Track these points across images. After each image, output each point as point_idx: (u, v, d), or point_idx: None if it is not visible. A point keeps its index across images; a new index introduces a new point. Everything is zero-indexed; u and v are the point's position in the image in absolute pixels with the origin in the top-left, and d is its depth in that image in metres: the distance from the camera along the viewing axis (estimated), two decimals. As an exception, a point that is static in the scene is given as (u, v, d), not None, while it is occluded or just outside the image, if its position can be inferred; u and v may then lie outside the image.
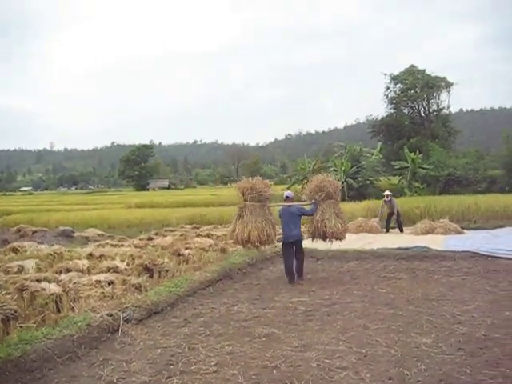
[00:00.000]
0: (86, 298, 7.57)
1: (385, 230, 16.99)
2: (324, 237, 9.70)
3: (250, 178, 9.78)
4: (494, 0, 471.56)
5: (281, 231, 10.04)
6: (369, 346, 5.50)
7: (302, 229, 10.29)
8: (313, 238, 9.96)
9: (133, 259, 11.01)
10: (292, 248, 9.70)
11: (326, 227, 9.48)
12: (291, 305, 7.58)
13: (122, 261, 10.64)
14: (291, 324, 6.53)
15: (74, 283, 8.42)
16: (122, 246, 14.29)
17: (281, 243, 10.10)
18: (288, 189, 30.42)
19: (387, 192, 17.64)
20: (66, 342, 5.48)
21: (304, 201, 10.53)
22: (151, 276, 9.54)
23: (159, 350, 5.63)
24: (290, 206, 9.87)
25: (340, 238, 9.76)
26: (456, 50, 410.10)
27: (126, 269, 9.98)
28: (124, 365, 5.19)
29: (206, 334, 6.18)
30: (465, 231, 15.97)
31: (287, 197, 10.20)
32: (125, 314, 6.58)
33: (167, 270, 9.89)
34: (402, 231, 16.84)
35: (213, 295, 8.47)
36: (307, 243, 10.38)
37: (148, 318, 6.94)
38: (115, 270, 9.78)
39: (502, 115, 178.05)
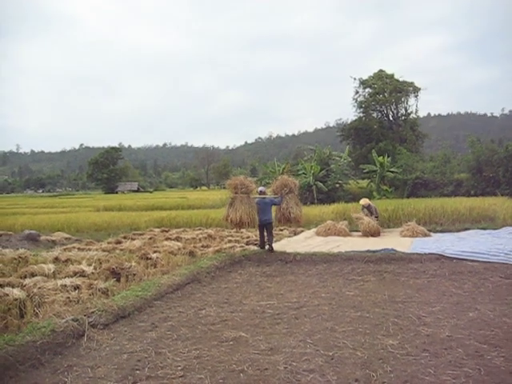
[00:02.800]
0: (50, 303, 7.44)
1: None
2: (288, 220, 12.96)
3: (240, 176, 13.11)
4: (460, 8, 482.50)
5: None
6: (336, 348, 5.53)
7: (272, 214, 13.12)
8: (279, 221, 13.23)
9: (100, 263, 10.89)
10: (264, 228, 12.83)
11: (289, 213, 12.73)
12: (259, 308, 7.57)
13: (89, 265, 10.49)
14: (259, 327, 6.52)
15: (39, 288, 8.28)
16: (90, 249, 14.11)
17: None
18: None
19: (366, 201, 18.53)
20: (28, 349, 5.34)
21: (273, 194, 13.30)
22: (118, 280, 9.45)
23: (125, 355, 5.54)
24: (264, 197, 13.01)
25: (299, 221, 13.14)
26: (424, 56, 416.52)
27: (92, 273, 9.86)
28: (89, 371, 5.09)
29: (174, 338, 6.12)
30: (432, 234, 16.21)
31: (261, 191, 13.41)
32: (90, 319, 6.49)
33: (135, 274, 9.82)
34: None
35: (181, 299, 8.39)
36: (276, 247, 13.00)
37: (114, 322, 6.82)
38: (82, 274, 9.66)
39: (468, 120, 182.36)
